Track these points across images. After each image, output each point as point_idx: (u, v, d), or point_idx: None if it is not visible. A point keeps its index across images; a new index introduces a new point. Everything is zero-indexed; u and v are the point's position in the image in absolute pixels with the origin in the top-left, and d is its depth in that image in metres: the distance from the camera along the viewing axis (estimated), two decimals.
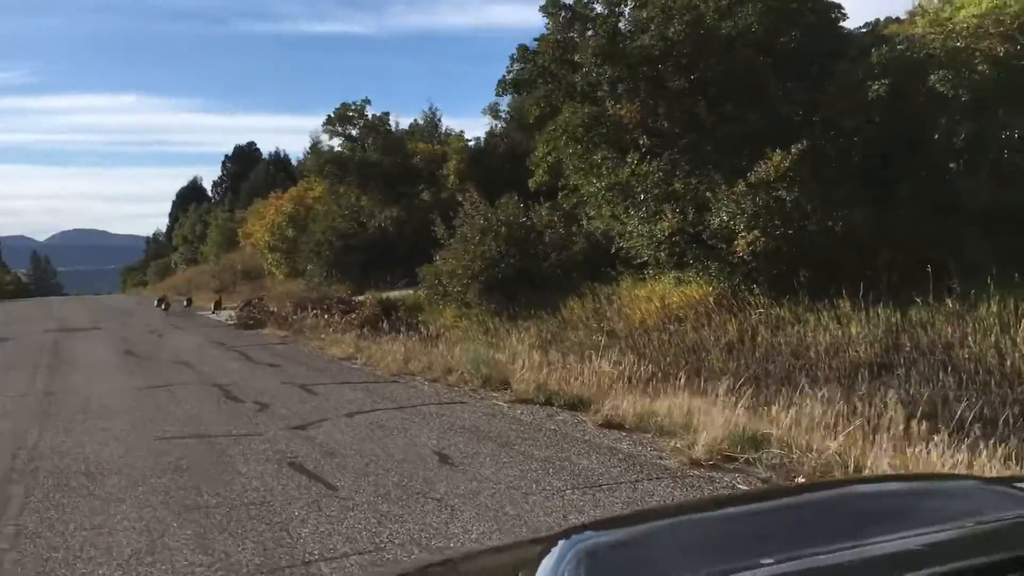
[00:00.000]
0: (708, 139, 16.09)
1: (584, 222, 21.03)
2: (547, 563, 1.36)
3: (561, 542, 1.42)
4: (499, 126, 32.67)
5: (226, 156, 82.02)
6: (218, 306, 28.14)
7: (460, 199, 22.86)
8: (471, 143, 34.82)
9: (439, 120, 45.79)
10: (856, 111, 14.71)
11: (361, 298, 24.09)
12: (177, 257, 77.68)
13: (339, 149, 33.05)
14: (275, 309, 21.94)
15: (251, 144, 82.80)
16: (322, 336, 17.70)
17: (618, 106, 16.78)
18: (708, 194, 15.13)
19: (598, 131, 17.15)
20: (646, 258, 16.22)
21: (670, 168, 16.03)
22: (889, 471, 5.79)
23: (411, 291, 25.24)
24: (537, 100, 20.49)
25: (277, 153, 78.57)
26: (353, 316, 20.41)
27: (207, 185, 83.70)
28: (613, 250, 17.89)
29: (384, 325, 19.67)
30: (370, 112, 33.48)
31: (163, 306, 31.19)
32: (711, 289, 15.43)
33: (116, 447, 7.54)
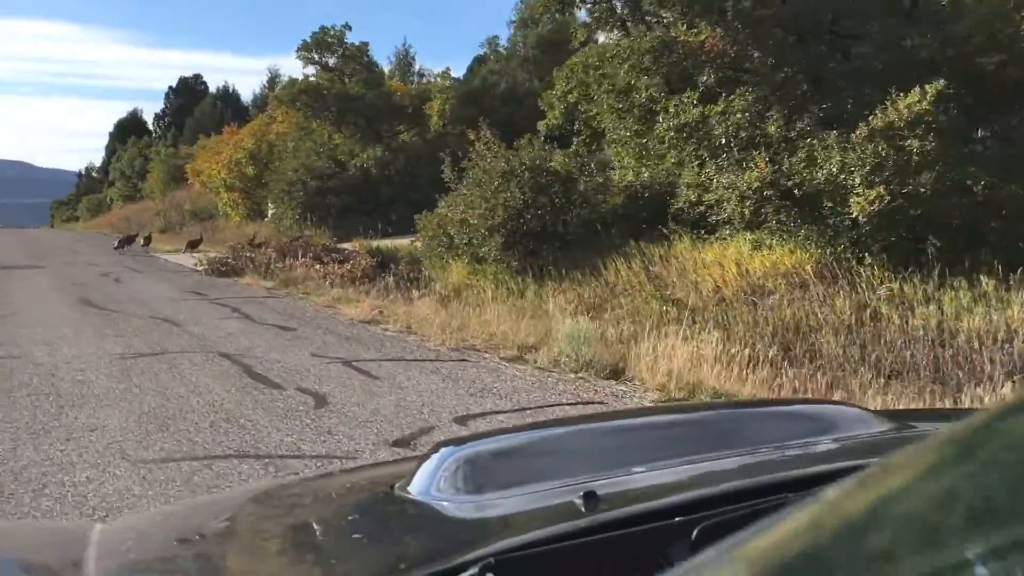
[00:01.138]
0: (807, 75, 13.43)
1: (616, 171, 18.32)
2: (425, 470, 1.42)
3: (441, 450, 1.47)
4: (497, 63, 29.59)
5: (170, 88, 77.37)
6: (194, 247, 24.24)
7: (472, 137, 19.88)
8: (458, 80, 31.85)
9: (413, 59, 42.38)
10: (997, 48, 12.26)
11: (347, 246, 21.09)
12: (114, 193, 73.17)
13: (314, 79, 29.55)
14: (252, 255, 18.80)
15: (197, 77, 78.25)
16: (322, 292, 14.78)
17: (694, 31, 13.99)
18: (813, 141, 12.52)
19: (668, 60, 14.36)
20: (726, 214, 13.55)
21: (761, 107, 13.35)
22: None
23: (404, 240, 22.34)
24: (589, 22, 17.49)
25: (225, 88, 74.16)
26: (348, 267, 17.46)
27: (148, 118, 78.98)
28: (681, 204, 15.21)
29: (389, 280, 16.84)
30: (349, 40, 30.09)
31: (121, 246, 27.23)
32: (807, 256, 12.87)
33: (126, 474, 4.65)
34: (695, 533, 1.14)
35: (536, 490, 1.36)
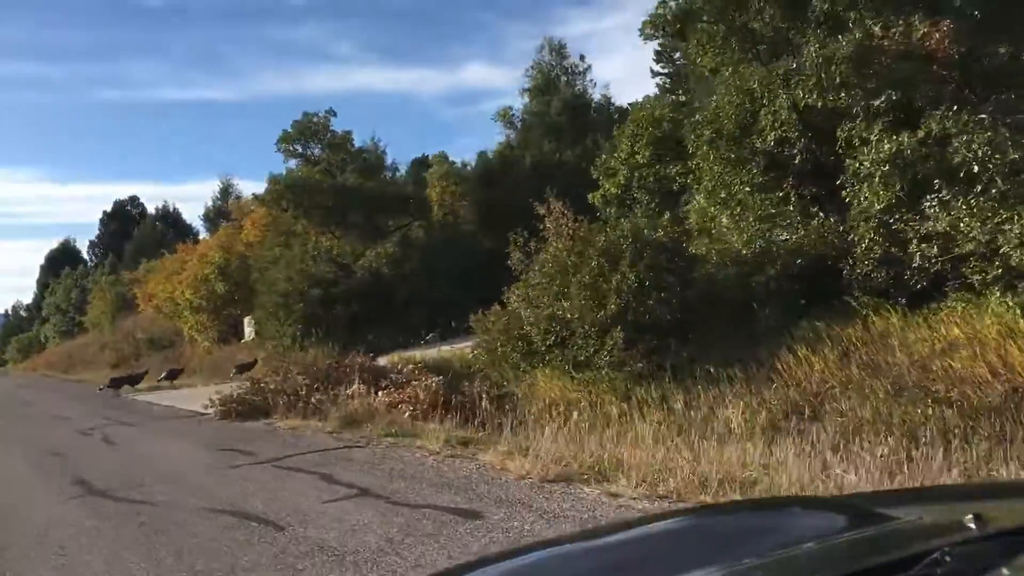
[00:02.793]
0: None
1: (733, 235, 14.46)
2: None
3: None
4: (513, 136, 25.90)
5: (104, 213, 72.62)
6: (244, 370, 19.24)
7: (542, 212, 15.94)
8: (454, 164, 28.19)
9: (384, 152, 38.63)
10: None
11: (383, 362, 16.71)
12: (48, 329, 67.61)
13: (299, 173, 25.44)
14: (275, 386, 14.30)
15: (133, 199, 73.58)
16: (414, 431, 10.49)
17: (914, 27, 10.36)
18: None
19: (868, 70, 10.68)
20: (994, 270, 9.68)
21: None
22: None
23: (450, 348, 18.08)
24: (713, 37, 13.67)
25: (165, 208, 69.57)
26: (415, 392, 13.11)
27: (82, 247, 74.01)
28: (866, 268, 11.45)
29: (484, 405, 12.59)
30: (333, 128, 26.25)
31: (113, 387, 22.43)
32: None
33: None
34: None
35: None
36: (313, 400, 13.19)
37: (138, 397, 20.05)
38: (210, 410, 14.15)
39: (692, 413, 11.62)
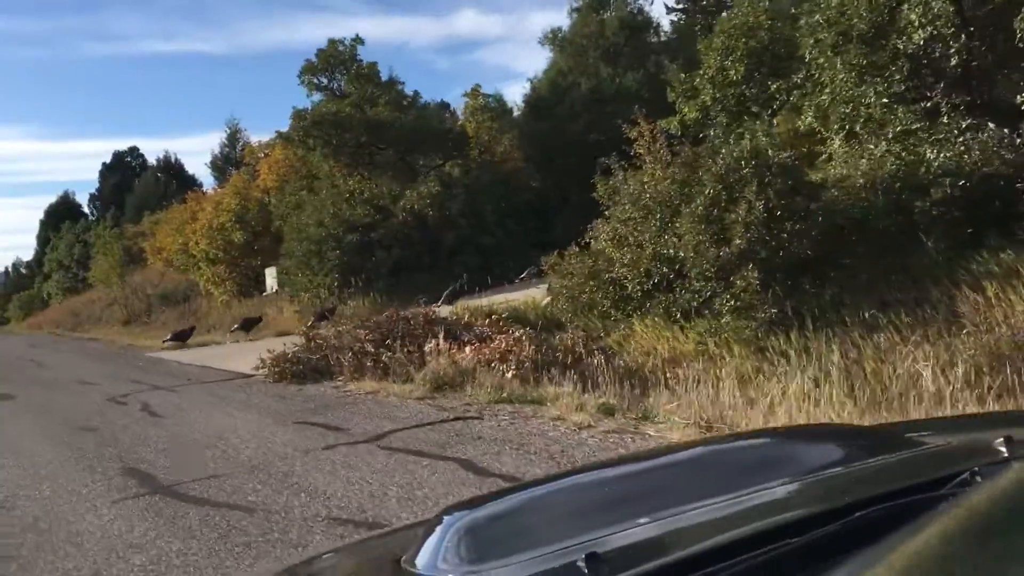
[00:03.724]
0: None
1: (867, 155, 12.27)
2: (430, 543, 1.33)
3: (445, 518, 1.39)
4: (562, 61, 23.42)
5: (104, 165, 70.02)
6: (325, 316, 16.36)
7: (633, 136, 13.78)
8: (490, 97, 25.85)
9: (401, 89, 36.25)
10: None
11: (444, 314, 14.62)
12: (51, 286, 65.36)
13: (326, 107, 23.09)
14: (336, 343, 12.27)
15: (133, 149, 70.88)
16: (531, 394, 8.50)
17: None
18: None
19: None
20: None
21: None
22: None
23: (517, 295, 16.03)
24: None
25: (167, 159, 66.82)
26: (503, 347, 11.05)
27: (82, 201, 71.46)
28: None
29: (598, 362, 10.51)
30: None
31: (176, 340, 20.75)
32: None
33: None
34: None
35: (541, 554, 1.20)
36: (385, 358, 11.17)
37: (164, 356, 18.03)
38: (260, 371, 12.15)
39: (855, 368, 9.61)
